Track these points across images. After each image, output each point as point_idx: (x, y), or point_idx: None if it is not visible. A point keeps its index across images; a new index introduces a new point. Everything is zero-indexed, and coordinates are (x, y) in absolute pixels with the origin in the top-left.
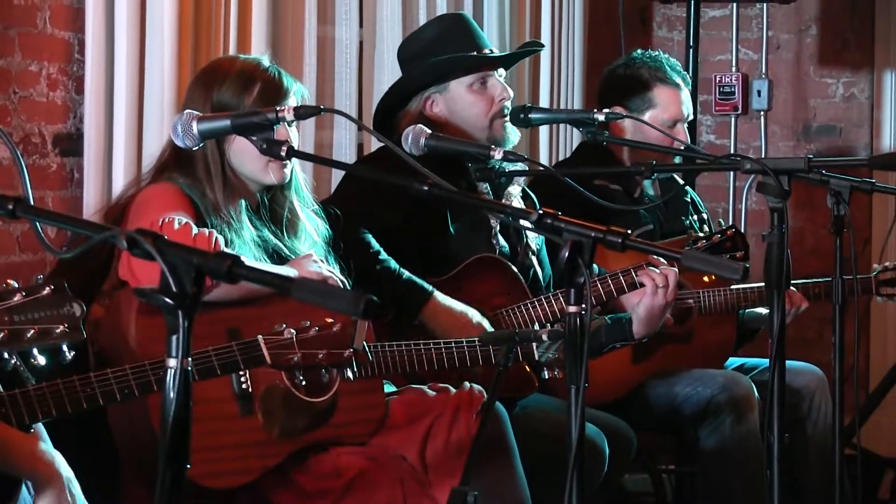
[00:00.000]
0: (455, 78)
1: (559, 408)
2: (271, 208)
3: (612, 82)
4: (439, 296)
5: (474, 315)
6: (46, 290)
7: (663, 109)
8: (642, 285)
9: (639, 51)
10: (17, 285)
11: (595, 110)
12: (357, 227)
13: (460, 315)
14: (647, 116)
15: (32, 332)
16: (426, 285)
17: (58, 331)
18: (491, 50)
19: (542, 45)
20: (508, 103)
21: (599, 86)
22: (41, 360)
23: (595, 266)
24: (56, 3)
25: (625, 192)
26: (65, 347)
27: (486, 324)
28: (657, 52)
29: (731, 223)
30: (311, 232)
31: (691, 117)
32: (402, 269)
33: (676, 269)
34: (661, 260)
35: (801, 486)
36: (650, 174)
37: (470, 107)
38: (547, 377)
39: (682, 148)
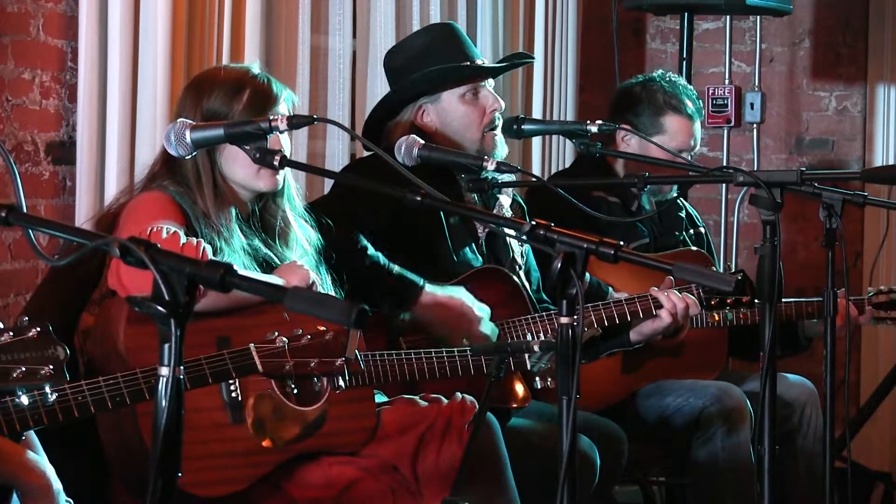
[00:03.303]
0: (447, 88)
1: (551, 417)
2: (262, 217)
3: (626, 98)
4: (429, 287)
5: (460, 292)
6: (32, 332)
7: (671, 137)
8: (659, 305)
9: (660, 71)
10: (2, 326)
11: (588, 122)
12: (346, 226)
13: (449, 299)
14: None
15: (19, 372)
16: (416, 278)
17: (42, 372)
18: (482, 60)
19: (533, 57)
20: (499, 114)
21: (613, 98)
22: (24, 401)
23: (596, 280)
24: (49, 11)
25: (622, 205)
26: (48, 389)
27: (471, 300)
28: (677, 77)
29: (738, 267)
30: (303, 241)
31: (697, 148)
32: (391, 264)
33: (698, 305)
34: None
35: (792, 499)
36: (643, 186)
37: (462, 117)
38: (539, 387)
39: (676, 161)
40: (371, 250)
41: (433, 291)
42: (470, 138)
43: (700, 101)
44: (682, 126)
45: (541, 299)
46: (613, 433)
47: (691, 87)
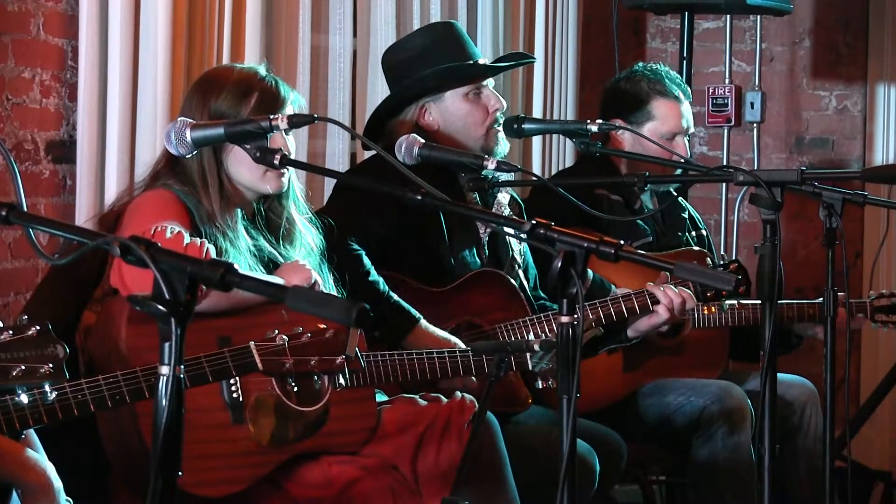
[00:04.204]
0: (451, 88)
1: (551, 420)
2: (267, 217)
3: (612, 95)
4: (424, 323)
5: (458, 345)
6: (32, 331)
7: (662, 122)
8: (656, 301)
9: (640, 64)
10: (1, 324)
11: (588, 121)
12: (349, 241)
13: (444, 344)
14: (646, 129)
15: (18, 370)
16: (413, 311)
17: (42, 370)
18: (484, 60)
19: (534, 58)
20: (501, 114)
21: (601, 98)
22: (24, 399)
23: (599, 277)
24: (50, 10)
25: (625, 204)
26: (47, 388)
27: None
28: (658, 65)
29: (734, 256)
30: (308, 241)
31: (692, 130)
32: (391, 293)
33: (694, 299)
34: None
35: (792, 498)
36: (643, 185)
37: (465, 116)
38: (540, 387)
39: (677, 160)
40: (374, 275)
41: (428, 329)
42: (473, 137)
43: (685, 84)
44: (669, 108)
45: (538, 296)
46: (613, 442)
47: (675, 73)
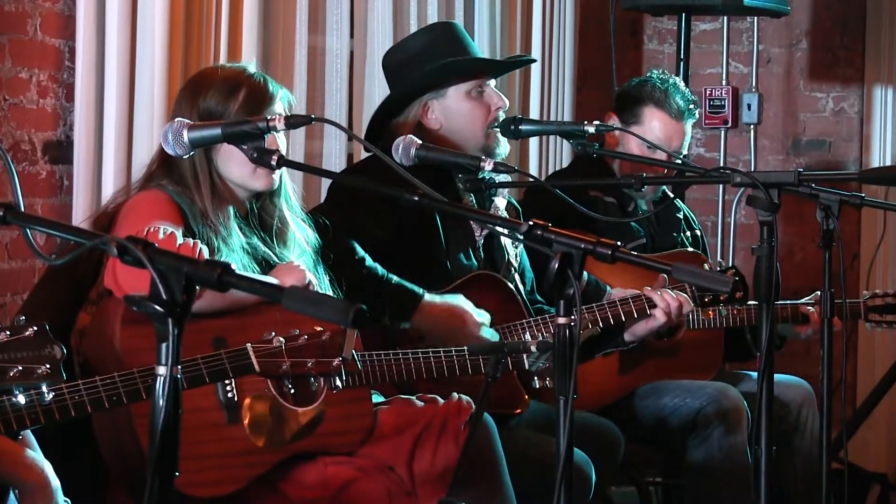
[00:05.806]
0: (454, 84)
1: (548, 429)
2: (260, 216)
3: (619, 93)
4: (429, 297)
5: (459, 300)
6: (29, 331)
7: (646, 130)
8: (653, 305)
9: (659, 70)
10: None
11: (585, 122)
12: (343, 237)
13: (449, 307)
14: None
15: (15, 371)
16: (416, 288)
17: (39, 371)
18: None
19: (534, 59)
20: (503, 112)
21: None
22: (21, 400)
23: (594, 278)
24: (47, 10)
25: (619, 206)
26: (44, 388)
27: (471, 308)
28: (674, 79)
29: (731, 263)
30: (301, 241)
31: (683, 152)
32: (390, 275)
33: (691, 303)
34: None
35: (788, 500)
36: (640, 186)
37: (467, 114)
38: (537, 386)
39: (673, 161)
40: (369, 261)
41: (433, 300)
42: (474, 136)
43: (691, 104)
44: (660, 121)
45: (534, 300)
46: (611, 434)
47: (688, 89)
